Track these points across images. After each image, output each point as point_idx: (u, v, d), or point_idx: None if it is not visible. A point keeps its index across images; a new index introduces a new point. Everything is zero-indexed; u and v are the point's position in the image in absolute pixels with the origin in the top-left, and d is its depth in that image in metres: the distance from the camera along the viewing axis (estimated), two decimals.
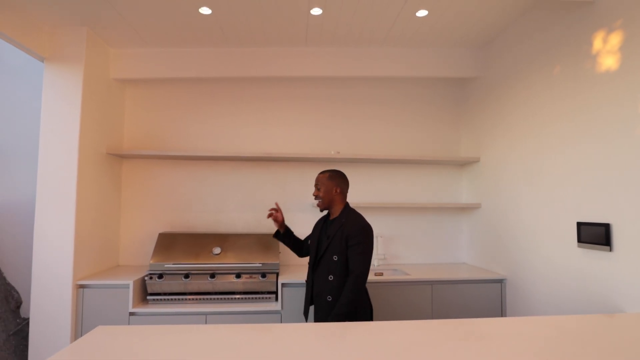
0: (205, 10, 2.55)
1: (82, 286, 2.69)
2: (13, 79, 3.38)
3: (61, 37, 2.76)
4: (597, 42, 2.10)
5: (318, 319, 2.15)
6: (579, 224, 2.18)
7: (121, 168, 3.40)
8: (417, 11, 2.61)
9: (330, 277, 2.10)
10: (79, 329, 2.65)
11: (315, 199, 2.29)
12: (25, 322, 3.22)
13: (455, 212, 3.58)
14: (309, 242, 2.40)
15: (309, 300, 2.25)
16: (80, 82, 2.76)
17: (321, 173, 2.32)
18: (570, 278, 2.26)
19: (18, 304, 3.29)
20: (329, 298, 2.09)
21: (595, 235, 2.06)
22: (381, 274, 3.17)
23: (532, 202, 2.60)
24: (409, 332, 1.32)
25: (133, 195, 3.39)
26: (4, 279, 3.33)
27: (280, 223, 2.43)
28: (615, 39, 1.99)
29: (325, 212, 2.38)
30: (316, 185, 2.29)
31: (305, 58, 3.21)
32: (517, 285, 2.76)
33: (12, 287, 3.33)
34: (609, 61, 2.02)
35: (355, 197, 3.45)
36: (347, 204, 2.29)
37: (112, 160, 3.23)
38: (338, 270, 2.09)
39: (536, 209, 2.56)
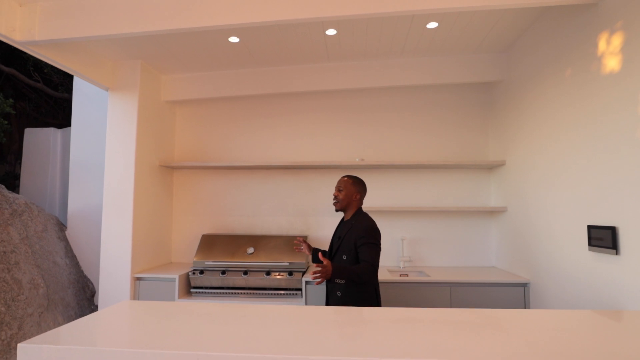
0: (233, 39, 2.91)
1: (138, 279, 3.17)
2: (86, 105, 4.03)
3: (121, 70, 3.29)
4: (602, 44, 2.10)
5: None
6: (589, 227, 2.17)
7: (172, 178, 3.89)
8: (426, 24, 2.74)
9: (339, 294, 2.25)
10: None
11: (335, 199, 2.44)
12: (97, 308, 3.81)
13: (483, 215, 3.58)
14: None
15: (326, 296, 2.45)
16: (136, 106, 3.26)
17: (345, 177, 2.46)
18: (583, 281, 2.24)
19: (92, 293, 3.90)
20: (339, 294, 2.27)
21: (603, 238, 2.05)
22: (406, 275, 3.30)
23: (551, 205, 2.59)
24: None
25: (182, 201, 3.86)
26: (82, 272, 3.97)
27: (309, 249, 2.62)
28: (617, 40, 1.99)
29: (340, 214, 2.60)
30: (338, 187, 2.43)
31: (328, 73, 3.46)
32: (540, 289, 2.74)
33: (88, 279, 3.96)
34: (612, 63, 2.02)
35: (381, 201, 3.61)
36: (360, 209, 2.44)
37: (165, 171, 3.73)
38: (362, 281, 2.19)
39: (554, 213, 2.55)
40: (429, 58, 3.36)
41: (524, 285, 2.92)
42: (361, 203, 2.47)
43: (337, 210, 2.47)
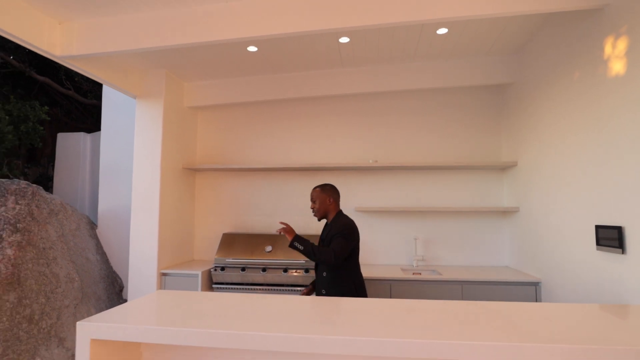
0: (252, 49, 3.08)
1: (164, 274, 3.38)
2: (114, 112, 4.28)
3: (147, 78, 3.51)
4: (607, 48, 2.16)
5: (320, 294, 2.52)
6: (597, 227, 2.23)
7: (194, 179, 4.09)
8: (436, 30, 2.84)
9: (324, 274, 2.46)
10: None
11: (312, 211, 2.60)
12: (123, 301, 4.04)
13: (496, 215, 3.64)
14: None
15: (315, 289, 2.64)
16: (161, 112, 3.47)
17: (314, 189, 2.63)
18: (592, 280, 2.30)
19: (121, 287, 4.14)
20: (323, 292, 2.46)
21: (610, 238, 2.11)
22: (419, 274, 3.39)
23: (561, 205, 2.64)
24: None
25: (204, 202, 4.06)
26: (111, 267, 4.22)
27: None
28: (622, 44, 2.05)
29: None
30: (312, 199, 2.60)
31: (342, 78, 3.58)
32: (551, 288, 2.79)
33: (116, 274, 4.20)
34: (617, 66, 2.07)
35: (394, 202, 3.71)
36: (340, 211, 2.60)
37: (188, 173, 3.93)
38: (329, 267, 2.42)
39: (565, 213, 2.60)
40: (441, 62, 3.44)
41: (536, 284, 2.97)
42: (338, 205, 2.61)
43: (319, 219, 2.63)
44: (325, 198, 2.57)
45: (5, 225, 3.11)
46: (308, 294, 2.73)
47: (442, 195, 3.71)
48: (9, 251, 2.98)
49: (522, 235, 3.26)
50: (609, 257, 2.14)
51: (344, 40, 2.95)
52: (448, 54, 3.30)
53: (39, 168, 6.48)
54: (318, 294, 2.52)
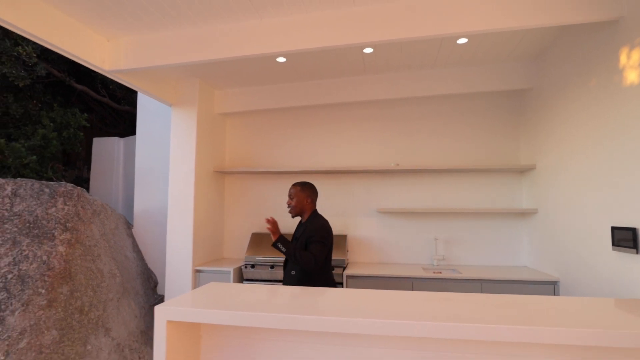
0: (281, 59, 3.28)
1: (198, 271, 3.62)
2: (150, 119, 4.56)
3: (182, 88, 3.76)
4: (623, 58, 2.26)
5: None
6: (613, 229, 2.33)
7: (224, 182, 4.33)
8: (457, 40, 2.98)
9: (293, 272, 2.50)
10: None
11: (288, 207, 2.62)
12: (160, 297, 4.31)
13: (515, 217, 3.74)
14: None
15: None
16: (195, 119, 3.71)
17: (294, 185, 2.65)
18: (609, 279, 2.40)
19: (155, 283, 4.41)
20: (293, 272, 2.49)
21: (625, 239, 2.22)
22: (440, 272, 3.53)
23: (578, 207, 2.75)
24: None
25: (233, 203, 4.29)
26: (146, 264, 4.50)
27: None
28: (636, 55, 2.15)
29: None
30: (290, 195, 2.63)
31: (366, 85, 3.75)
32: (569, 287, 2.89)
33: (151, 271, 4.48)
34: (632, 76, 2.18)
35: (415, 203, 3.86)
36: (315, 210, 2.64)
37: (218, 176, 4.17)
38: (299, 266, 2.43)
39: (582, 214, 2.70)
40: (460, 68, 3.57)
41: (554, 283, 3.07)
42: (314, 205, 2.67)
43: (293, 216, 2.67)
44: (304, 197, 2.60)
45: (56, 225, 3.40)
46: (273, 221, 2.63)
47: (461, 197, 3.84)
48: (61, 248, 3.27)
49: (541, 236, 3.36)
50: (624, 257, 2.25)
51: (368, 50, 3.12)
52: (467, 61, 3.43)
53: (75, 171, 6.86)
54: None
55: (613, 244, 2.33)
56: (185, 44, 2.82)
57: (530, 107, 3.57)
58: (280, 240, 2.45)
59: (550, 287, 3.07)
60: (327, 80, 3.85)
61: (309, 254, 2.38)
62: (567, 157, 2.89)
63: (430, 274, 3.30)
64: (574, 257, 2.81)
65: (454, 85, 3.59)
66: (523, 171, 3.72)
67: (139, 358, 3.58)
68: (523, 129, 3.73)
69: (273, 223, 2.50)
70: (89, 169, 6.94)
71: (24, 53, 4.39)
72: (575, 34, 2.75)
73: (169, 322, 1.29)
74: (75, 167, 6.85)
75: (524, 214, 3.70)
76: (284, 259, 3.58)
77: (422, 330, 1.18)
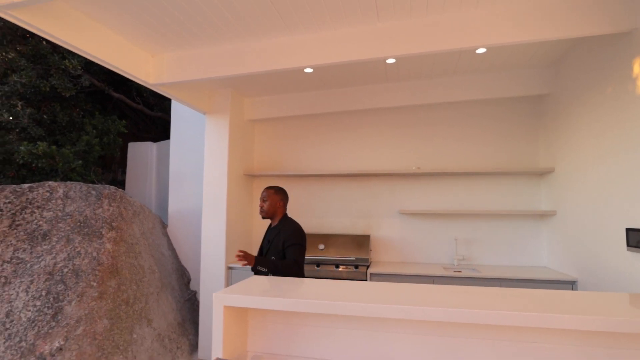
0: (308, 70, 3.50)
1: (230, 268, 3.87)
2: (184, 125, 4.87)
3: (215, 97, 4.03)
4: (636, 68, 2.38)
5: None
6: (627, 230, 2.45)
7: (253, 184, 4.59)
8: (475, 49, 3.13)
9: (265, 270, 2.49)
10: None
11: (260, 209, 2.67)
12: (193, 292, 4.60)
13: (534, 218, 3.84)
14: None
15: None
16: (227, 126, 3.98)
17: (268, 188, 2.70)
18: (624, 279, 2.51)
19: (188, 280, 4.71)
20: None
21: (639, 240, 2.33)
22: (460, 272, 3.67)
23: (595, 209, 2.85)
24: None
25: None
26: (180, 262, 4.80)
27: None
28: None
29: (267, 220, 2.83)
30: (263, 198, 2.66)
31: (388, 92, 3.93)
32: (587, 287, 2.99)
33: (185, 268, 4.78)
34: None
35: (436, 205, 4.01)
36: (285, 214, 2.72)
37: (247, 179, 4.43)
38: (283, 275, 2.42)
39: (599, 216, 2.81)
40: (479, 75, 3.71)
41: (572, 283, 3.17)
42: (285, 209, 2.75)
43: (264, 218, 2.72)
44: (277, 200, 2.67)
45: (103, 224, 3.72)
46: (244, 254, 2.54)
47: (481, 199, 3.96)
48: (108, 245, 3.59)
49: (560, 237, 3.46)
50: (638, 257, 2.36)
51: (391, 61, 3.31)
52: (486, 68, 3.57)
53: (111, 174, 7.29)
54: None
55: (628, 245, 2.44)
56: (221, 59, 3.08)
57: (549, 111, 3.67)
58: (258, 264, 2.44)
59: (568, 286, 3.17)
60: (351, 88, 4.05)
61: (289, 261, 2.45)
62: (585, 161, 3.00)
63: (451, 273, 3.44)
64: (591, 257, 2.92)
65: (473, 92, 3.73)
66: (542, 174, 3.81)
67: (177, 347, 3.87)
68: (542, 133, 3.83)
69: (244, 256, 2.41)
70: (123, 171, 7.35)
71: (70, 66, 4.77)
72: (592, 42, 2.86)
73: (225, 307, 1.53)
74: (110, 170, 7.28)
75: (543, 216, 3.80)
76: (325, 258, 3.81)
77: (441, 314, 1.37)
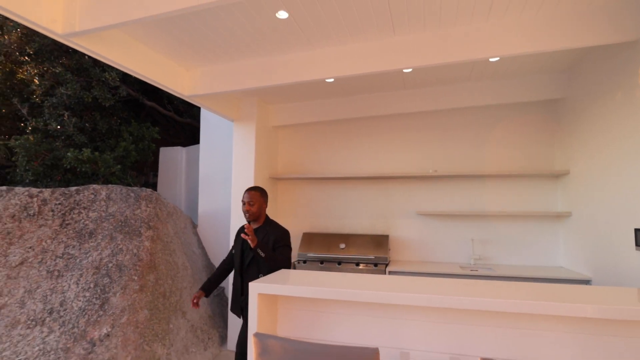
0: (329, 80, 3.73)
1: None
2: (212, 131, 5.19)
3: (243, 105, 4.32)
4: None
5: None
6: (636, 230, 2.55)
7: (277, 187, 4.85)
8: (489, 58, 3.27)
9: (260, 275, 2.54)
10: None
11: (248, 213, 2.60)
12: (222, 289, 4.90)
13: (550, 219, 3.93)
14: (233, 251, 2.83)
15: (239, 298, 2.69)
16: (253, 133, 4.25)
17: (253, 191, 2.64)
18: (634, 277, 2.62)
19: None
20: None
21: None
22: (476, 270, 3.81)
23: (608, 211, 2.96)
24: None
25: (285, 206, 4.80)
26: (209, 260, 5.12)
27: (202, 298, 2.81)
28: None
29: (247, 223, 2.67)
30: (249, 202, 2.60)
31: (405, 98, 4.11)
32: (600, 285, 3.08)
33: (214, 265, 5.09)
34: None
35: (453, 207, 4.16)
36: (267, 216, 2.75)
37: (272, 182, 4.70)
38: (266, 268, 2.52)
39: (611, 218, 2.91)
40: (494, 81, 3.84)
41: (586, 282, 3.27)
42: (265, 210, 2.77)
43: (251, 221, 2.66)
44: (263, 202, 2.65)
45: (142, 224, 4.06)
46: (198, 298, 2.78)
47: (497, 201, 4.08)
48: (147, 243, 3.92)
49: (575, 237, 3.55)
50: None
51: (407, 70, 3.50)
52: (500, 75, 3.70)
53: (143, 177, 7.73)
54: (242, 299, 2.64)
55: (636, 245, 2.55)
56: (250, 72, 3.35)
57: (564, 115, 3.77)
58: (259, 246, 2.45)
59: (582, 285, 3.27)
60: (369, 95, 4.25)
61: (285, 257, 2.55)
62: (598, 164, 3.10)
63: (467, 272, 3.59)
64: (604, 257, 3.02)
65: (488, 98, 3.87)
66: (558, 176, 3.90)
67: (208, 338, 4.16)
68: (558, 136, 3.92)
69: (251, 231, 2.41)
70: (154, 174, 7.79)
71: (109, 78, 5.17)
72: (603, 48, 2.97)
73: (259, 294, 1.77)
74: (143, 174, 7.73)
75: (559, 217, 3.88)
76: (346, 256, 4.03)
77: (450, 302, 1.56)
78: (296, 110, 4.56)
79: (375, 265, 3.84)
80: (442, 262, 4.14)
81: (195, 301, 2.75)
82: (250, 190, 2.66)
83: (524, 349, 1.67)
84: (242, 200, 2.65)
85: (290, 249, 2.64)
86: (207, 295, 2.83)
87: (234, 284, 2.75)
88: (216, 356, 4.10)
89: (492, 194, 4.11)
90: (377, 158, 4.50)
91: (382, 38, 2.93)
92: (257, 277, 2.55)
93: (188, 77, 3.54)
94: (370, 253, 3.97)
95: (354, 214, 4.52)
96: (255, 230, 2.64)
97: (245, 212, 2.60)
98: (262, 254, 2.44)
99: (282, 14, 2.59)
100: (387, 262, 3.91)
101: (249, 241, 2.39)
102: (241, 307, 2.69)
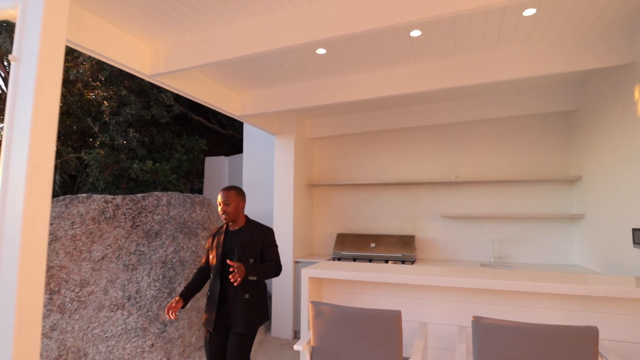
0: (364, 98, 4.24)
1: (297, 262, 4.69)
2: (254, 142, 5.81)
3: (283, 121, 4.90)
4: (637, 94, 2.84)
5: (237, 316, 2.31)
6: (634, 230, 2.89)
7: (313, 193, 5.40)
8: (499, 80, 3.68)
9: (246, 296, 2.34)
10: (296, 284, 4.64)
11: (224, 213, 2.42)
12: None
13: (566, 221, 4.24)
14: (210, 256, 2.58)
15: (216, 307, 2.38)
16: (292, 145, 4.82)
17: (227, 190, 2.47)
18: (635, 273, 2.95)
19: None
20: (246, 296, 2.34)
21: None
22: (496, 268, 4.18)
23: (616, 212, 3.29)
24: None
25: (321, 209, 5.34)
26: None
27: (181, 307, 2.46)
28: None
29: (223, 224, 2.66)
30: (225, 201, 2.42)
31: (430, 111, 4.56)
32: None
33: None
34: None
35: (474, 209, 4.55)
36: (247, 216, 2.57)
37: (308, 188, 5.25)
38: (271, 277, 2.42)
39: (618, 219, 3.24)
40: (511, 95, 4.21)
41: None
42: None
43: (228, 222, 2.50)
44: (240, 201, 2.50)
45: (197, 225, 4.71)
46: (176, 308, 2.40)
47: (516, 204, 4.43)
48: (203, 242, 4.55)
49: (588, 237, 3.87)
50: None
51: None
52: (517, 88, 4.08)
53: (189, 183, 8.51)
54: (234, 301, 2.35)
55: (634, 243, 2.88)
56: (291, 95, 3.92)
57: (578, 125, 4.09)
58: (249, 274, 2.24)
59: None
60: (396, 109, 4.72)
61: (273, 264, 2.42)
62: (606, 170, 3.43)
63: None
64: (610, 254, 3.34)
65: (505, 110, 4.25)
66: (573, 181, 4.22)
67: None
68: (573, 144, 4.24)
69: (239, 269, 2.16)
70: (199, 181, 8.56)
71: (165, 98, 5.92)
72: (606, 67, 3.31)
73: (310, 277, 2.30)
74: (189, 180, 8.51)
75: (574, 218, 4.19)
76: (376, 254, 4.52)
77: (462, 282, 2.03)
78: (330, 123, 5.10)
79: (403, 262, 4.29)
80: (464, 260, 4.53)
81: (172, 312, 2.37)
82: (225, 189, 2.49)
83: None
84: (218, 202, 2.47)
85: (277, 248, 2.52)
86: (184, 306, 2.50)
87: (211, 292, 2.46)
88: (262, 342, 4.67)
89: (511, 198, 4.46)
90: (404, 166, 4.96)
91: (405, 65, 3.42)
92: (243, 298, 2.33)
93: (239, 100, 4.16)
94: (398, 252, 4.43)
95: (383, 216, 4.99)
96: (239, 231, 2.46)
97: (222, 212, 2.42)
98: (254, 278, 2.27)
99: (321, 51, 3.14)
100: (413, 260, 4.35)
101: (237, 277, 2.12)
102: (216, 318, 2.40)
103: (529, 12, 2.58)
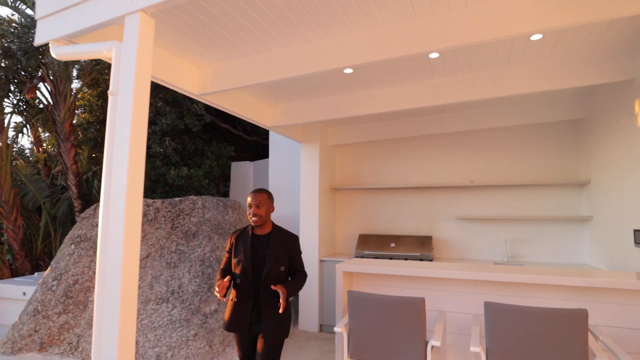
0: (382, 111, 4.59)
1: (322, 261, 5.06)
2: (280, 149, 6.22)
3: (308, 130, 5.29)
4: (637, 107, 3.12)
5: (270, 326, 2.24)
6: (635, 231, 3.17)
7: (335, 196, 5.77)
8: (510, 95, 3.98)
9: (280, 311, 2.20)
10: (322, 283, 5.01)
11: (255, 216, 2.31)
12: None
13: (576, 222, 4.50)
14: (235, 259, 2.39)
15: (248, 313, 2.28)
16: (317, 151, 5.20)
17: (260, 193, 2.38)
18: (635, 271, 3.22)
19: None
20: (279, 306, 2.29)
21: None
22: (509, 266, 4.47)
23: (620, 214, 3.55)
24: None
25: (343, 212, 5.70)
26: None
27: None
28: None
29: (243, 227, 2.50)
30: (257, 204, 2.32)
31: (446, 120, 4.88)
32: None
33: None
34: None
35: (489, 212, 4.84)
36: (271, 220, 2.49)
37: (331, 192, 5.62)
38: (284, 279, 2.32)
39: (622, 220, 3.51)
40: (522, 104, 4.50)
41: None
42: None
43: (258, 225, 2.37)
44: (270, 206, 2.43)
45: (230, 227, 5.12)
46: (225, 287, 2.22)
47: (528, 206, 4.71)
48: None
49: (597, 237, 4.13)
50: None
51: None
52: (527, 98, 4.37)
53: (215, 187, 8.97)
54: (269, 310, 2.28)
55: (635, 243, 3.16)
56: (319, 108, 4.30)
57: (586, 132, 4.35)
58: (290, 294, 2.22)
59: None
60: (414, 117, 5.06)
61: (303, 276, 2.40)
62: (612, 174, 3.70)
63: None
64: (615, 253, 3.61)
65: (517, 119, 4.54)
66: (582, 185, 4.48)
67: None
68: (582, 150, 4.50)
69: (284, 296, 2.16)
70: (225, 185, 9.03)
71: (197, 108, 6.38)
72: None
73: (343, 272, 2.67)
74: (215, 184, 8.99)
75: (583, 220, 4.45)
76: (396, 253, 4.87)
77: (476, 275, 2.36)
78: (351, 131, 5.47)
79: (421, 261, 4.62)
80: (479, 259, 4.83)
81: (221, 291, 2.20)
82: (256, 192, 2.40)
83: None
84: (249, 204, 2.37)
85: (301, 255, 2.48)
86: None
87: (240, 297, 2.33)
88: (291, 335, 5.06)
89: (523, 200, 4.74)
90: (422, 171, 5.28)
91: (423, 80, 3.76)
92: (278, 313, 2.28)
93: (270, 112, 4.57)
94: (416, 251, 4.75)
95: (402, 218, 5.32)
96: (268, 237, 2.37)
97: (253, 215, 2.32)
98: (292, 294, 2.25)
99: (348, 70, 3.51)
100: (430, 259, 4.67)
101: (284, 305, 2.15)
102: (250, 323, 2.30)
103: (536, 37, 2.90)
